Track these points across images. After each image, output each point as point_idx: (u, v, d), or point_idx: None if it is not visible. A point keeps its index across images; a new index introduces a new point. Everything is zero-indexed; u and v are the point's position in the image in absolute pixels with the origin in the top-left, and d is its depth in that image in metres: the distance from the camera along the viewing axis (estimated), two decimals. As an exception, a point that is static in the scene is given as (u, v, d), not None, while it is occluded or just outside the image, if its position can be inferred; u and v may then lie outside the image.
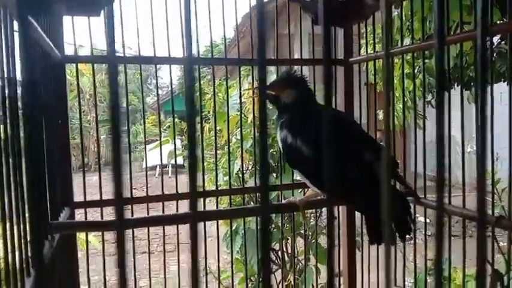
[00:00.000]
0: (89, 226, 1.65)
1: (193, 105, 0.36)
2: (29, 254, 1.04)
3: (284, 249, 3.20)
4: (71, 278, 1.64)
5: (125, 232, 0.37)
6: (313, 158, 1.46)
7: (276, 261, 3.24)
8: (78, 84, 1.76)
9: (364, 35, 3.24)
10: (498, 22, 2.57)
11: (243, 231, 2.86)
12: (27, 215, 1.03)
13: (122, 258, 0.36)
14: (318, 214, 2.93)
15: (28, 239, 1.04)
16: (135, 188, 1.86)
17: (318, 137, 1.44)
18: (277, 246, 3.22)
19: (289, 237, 3.09)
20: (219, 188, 2.14)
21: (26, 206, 1.03)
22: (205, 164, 3.05)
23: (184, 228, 1.93)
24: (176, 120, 3.35)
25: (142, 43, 1.78)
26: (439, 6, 0.41)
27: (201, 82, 2.12)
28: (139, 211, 1.95)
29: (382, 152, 1.49)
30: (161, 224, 1.78)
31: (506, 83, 3.40)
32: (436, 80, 0.38)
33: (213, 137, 2.06)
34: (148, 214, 1.85)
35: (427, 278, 2.12)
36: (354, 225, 2.14)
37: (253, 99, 2.14)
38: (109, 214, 2.01)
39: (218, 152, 2.80)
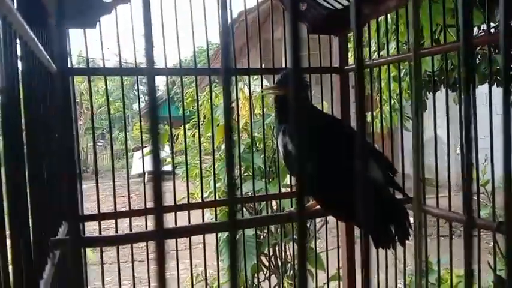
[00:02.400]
0: (124, 239, 1.62)
1: (231, 116, 0.37)
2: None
3: (277, 255, 3.21)
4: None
5: (164, 242, 0.38)
6: (312, 171, 1.45)
7: (270, 266, 3.24)
8: (74, 96, 1.75)
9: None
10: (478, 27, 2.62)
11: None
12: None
13: (162, 269, 0.37)
14: (314, 219, 2.94)
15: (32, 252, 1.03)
16: (123, 196, 1.84)
17: (319, 149, 1.44)
18: (270, 252, 3.22)
19: (283, 243, 3.10)
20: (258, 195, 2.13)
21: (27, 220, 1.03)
22: (196, 170, 3.04)
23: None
24: (167, 127, 3.34)
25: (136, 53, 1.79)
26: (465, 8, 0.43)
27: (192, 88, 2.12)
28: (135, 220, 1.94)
29: (384, 163, 1.51)
30: (200, 233, 1.74)
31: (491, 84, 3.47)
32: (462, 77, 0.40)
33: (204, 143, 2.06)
34: (146, 223, 1.84)
35: (421, 280, 2.14)
36: (352, 227, 2.16)
37: (250, 105, 2.15)
38: (104, 223, 1.99)
39: (210, 158, 2.81)
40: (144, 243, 2.04)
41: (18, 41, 1.04)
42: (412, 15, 0.39)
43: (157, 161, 0.37)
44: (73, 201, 1.59)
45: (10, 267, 0.88)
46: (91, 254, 2.84)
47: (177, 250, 1.88)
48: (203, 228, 1.69)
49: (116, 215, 1.76)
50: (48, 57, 1.40)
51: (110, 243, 1.65)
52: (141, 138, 1.90)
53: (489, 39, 1.56)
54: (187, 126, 3.58)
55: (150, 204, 1.89)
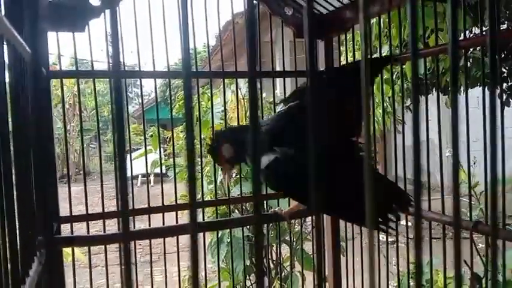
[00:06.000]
0: (92, 240, 1.63)
1: (192, 117, 0.39)
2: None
3: (269, 257, 3.21)
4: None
5: (129, 244, 0.39)
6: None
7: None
8: (63, 99, 1.76)
9: (344, 45, 3.31)
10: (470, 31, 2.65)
11: (227, 240, 2.87)
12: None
13: (128, 270, 0.38)
14: (302, 220, 2.96)
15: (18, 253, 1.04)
16: (114, 198, 1.86)
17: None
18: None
19: (274, 244, 3.11)
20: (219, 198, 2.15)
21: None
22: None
23: (167, 238, 1.94)
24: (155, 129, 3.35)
25: (126, 54, 1.80)
26: (413, 20, 0.44)
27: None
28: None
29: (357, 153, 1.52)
30: (163, 236, 1.76)
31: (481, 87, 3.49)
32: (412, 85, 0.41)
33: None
34: (134, 225, 1.85)
35: (410, 281, 2.17)
36: (338, 230, 2.18)
37: (237, 108, 2.17)
38: (93, 225, 2.00)
39: (202, 160, 2.83)
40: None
41: (5, 44, 1.05)
42: (362, 27, 0.41)
43: (123, 162, 0.38)
44: (46, 202, 1.61)
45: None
46: (82, 256, 2.84)
47: (164, 253, 1.89)
48: (167, 231, 1.73)
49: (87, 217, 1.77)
50: (36, 59, 1.41)
51: (80, 244, 1.68)
52: (129, 140, 1.91)
53: (481, 40, 1.58)
54: (180, 128, 3.61)
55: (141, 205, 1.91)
